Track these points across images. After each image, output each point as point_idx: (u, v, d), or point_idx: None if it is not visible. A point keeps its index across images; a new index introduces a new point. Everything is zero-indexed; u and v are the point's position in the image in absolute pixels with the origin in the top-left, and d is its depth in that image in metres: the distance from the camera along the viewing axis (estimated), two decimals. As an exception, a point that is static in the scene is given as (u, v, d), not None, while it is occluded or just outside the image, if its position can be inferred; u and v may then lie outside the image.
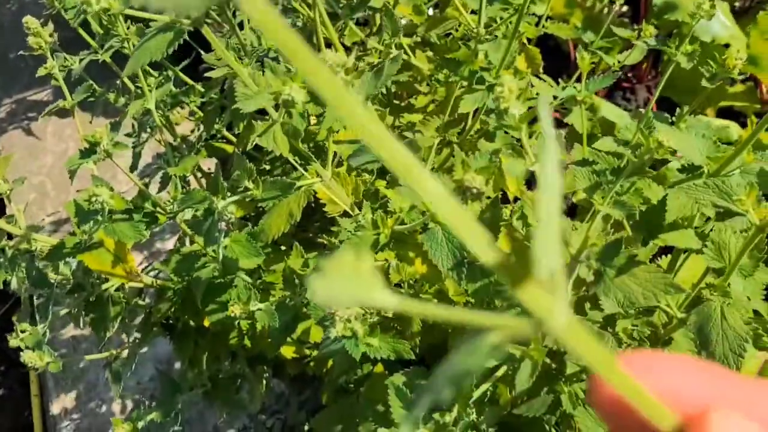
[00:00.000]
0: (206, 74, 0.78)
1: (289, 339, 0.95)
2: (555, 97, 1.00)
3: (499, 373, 0.78)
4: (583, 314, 0.75)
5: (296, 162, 0.82)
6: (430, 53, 1.10)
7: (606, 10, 1.55)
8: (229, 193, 0.77)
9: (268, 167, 1.10)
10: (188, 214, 0.91)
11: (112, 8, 0.73)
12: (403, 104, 1.18)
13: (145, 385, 1.44)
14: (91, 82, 1.07)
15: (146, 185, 0.95)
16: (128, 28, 0.91)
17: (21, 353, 0.93)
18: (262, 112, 0.94)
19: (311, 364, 1.11)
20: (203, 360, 1.08)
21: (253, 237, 0.87)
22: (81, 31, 1.05)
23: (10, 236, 0.93)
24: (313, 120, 0.94)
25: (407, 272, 0.88)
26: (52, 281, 0.97)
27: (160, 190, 1.10)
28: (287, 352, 1.07)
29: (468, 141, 1.02)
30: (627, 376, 0.20)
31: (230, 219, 0.78)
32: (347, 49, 1.04)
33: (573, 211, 1.20)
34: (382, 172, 0.93)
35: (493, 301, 0.72)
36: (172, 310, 1.05)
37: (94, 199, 0.79)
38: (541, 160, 0.20)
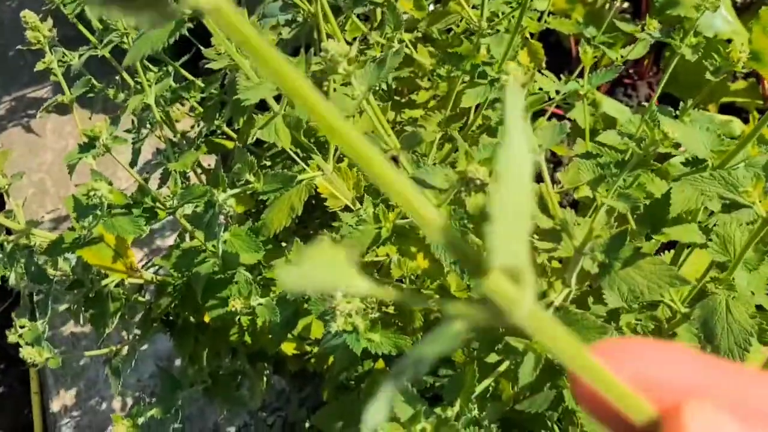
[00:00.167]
0: (207, 66, 0.78)
1: (289, 335, 0.95)
2: (557, 92, 1.00)
3: (502, 368, 0.77)
4: (586, 308, 0.75)
5: (297, 156, 0.81)
6: (431, 48, 1.09)
7: (607, 5, 1.54)
8: (229, 187, 0.76)
9: (269, 163, 1.09)
10: (188, 209, 0.91)
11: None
12: (403, 100, 1.18)
13: (146, 382, 1.44)
14: (89, 77, 1.07)
15: (146, 181, 0.95)
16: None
17: (20, 350, 0.92)
18: (261, 108, 0.93)
19: (312, 360, 1.10)
20: (203, 357, 1.07)
21: (254, 232, 0.86)
22: (80, 27, 1.05)
23: (9, 231, 0.93)
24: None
25: (409, 267, 0.88)
26: (52, 277, 0.97)
27: (160, 186, 1.09)
28: (288, 348, 1.07)
29: (470, 136, 1.02)
30: (598, 367, 0.19)
31: (229, 213, 0.77)
32: (349, 44, 1.04)
33: (575, 208, 1.20)
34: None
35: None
36: (173, 306, 1.04)
37: (92, 193, 0.78)
38: (504, 138, 0.19)
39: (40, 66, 0.99)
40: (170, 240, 1.57)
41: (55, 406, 1.45)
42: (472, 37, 0.93)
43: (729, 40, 1.40)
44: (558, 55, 1.64)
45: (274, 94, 0.67)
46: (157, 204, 0.89)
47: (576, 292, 0.68)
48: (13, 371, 1.57)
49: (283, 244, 1.05)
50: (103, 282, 0.96)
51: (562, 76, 1.08)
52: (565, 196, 1.46)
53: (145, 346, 1.40)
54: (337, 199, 0.88)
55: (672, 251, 0.90)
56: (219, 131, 1.15)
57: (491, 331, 0.73)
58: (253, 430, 1.36)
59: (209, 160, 1.39)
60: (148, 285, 1.07)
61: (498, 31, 0.94)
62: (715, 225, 0.75)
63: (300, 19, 1.04)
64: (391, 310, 0.88)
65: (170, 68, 1.03)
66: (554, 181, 0.92)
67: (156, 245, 1.58)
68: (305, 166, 0.83)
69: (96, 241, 0.90)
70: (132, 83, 1.08)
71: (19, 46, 1.04)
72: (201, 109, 1.10)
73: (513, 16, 0.95)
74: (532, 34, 1.15)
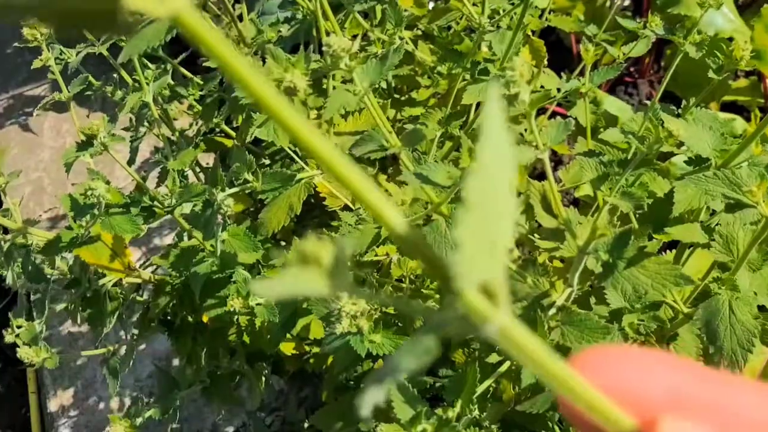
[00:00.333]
0: (205, 63, 0.77)
1: (288, 335, 0.94)
2: (558, 90, 0.99)
3: (503, 368, 0.76)
4: (588, 309, 0.74)
5: (296, 154, 0.80)
6: (431, 46, 1.08)
7: (608, 3, 1.53)
8: (228, 186, 0.75)
9: (267, 161, 1.08)
10: (186, 208, 0.90)
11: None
12: (403, 98, 1.17)
13: (143, 382, 1.43)
14: (87, 74, 1.06)
15: (144, 179, 0.94)
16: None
17: (17, 349, 0.91)
18: (261, 105, 0.93)
19: (311, 360, 1.09)
20: (202, 356, 1.06)
21: (252, 231, 0.85)
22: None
23: (5, 230, 0.92)
24: (313, 114, 0.93)
25: (409, 267, 0.87)
26: (49, 276, 0.96)
27: (158, 185, 1.09)
28: (286, 348, 1.06)
29: (471, 134, 1.01)
30: (575, 380, 0.18)
31: (227, 212, 0.76)
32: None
33: (574, 206, 1.19)
34: (384, 166, 0.92)
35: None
36: (171, 305, 1.04)
37: (90, 192, 0.78)
38: (481, 137, 0.17)
39: (37, 63, 0.99)
40: (168, 239, 1.56)
41: (52, 405, 1.44)
42: (473, 34, 0.92)
43: (731, 38, 1.39)
44: (559, 53, 1.63)
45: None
46: (155, 203, 0.88)
47: (577, 292, 0.68)
48: (10, 371, 1.56)
49: (282, 243, 1.05)
50: (101, 281, 0.96)
51: (563, 74, 1.07)
52: (566, 195, 1.45)
53: (142, 346, 1.40)
54: (336, 198, 0.87)
55: (673, 251, 0.89)
56: (217, 129, 1.14)
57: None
58: (251, 431, 1.35)
59: (208, 159, 1.38)
60: (145, 284, 1.06)
61: (499, 27, 0.93)
62: (717, 225, 0.74)
63: (299, 16, 1.03)
64: (391, 310, 0.88)
65: (168, 66, 1.02)
66: (555, 180, 0.91)
67: (154, 244, 1.57)
68: (304, 165, 0.83)
69: (93, 240, 0.89)
70: (130, 81, 1.07)
71: (16, 44, 1.03)
72: (199, 108, 1.09)
73: (514, 13, 0.94)
74: (533, 32, 1.14)
